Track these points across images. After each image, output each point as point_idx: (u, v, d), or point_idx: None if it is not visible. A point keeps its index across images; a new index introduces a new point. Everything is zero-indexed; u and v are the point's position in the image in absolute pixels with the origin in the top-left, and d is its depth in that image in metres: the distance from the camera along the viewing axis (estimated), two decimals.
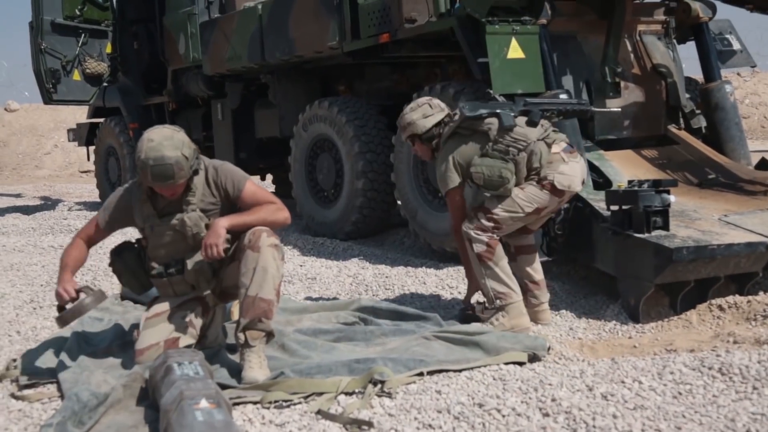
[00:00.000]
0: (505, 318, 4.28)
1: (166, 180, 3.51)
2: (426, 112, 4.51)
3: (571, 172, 4.33)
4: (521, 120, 4.41)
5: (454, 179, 4.37)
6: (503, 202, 4.28)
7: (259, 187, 3.78)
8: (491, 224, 4.29)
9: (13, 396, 3.42)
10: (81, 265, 3.78)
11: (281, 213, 3.69)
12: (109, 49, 10.90)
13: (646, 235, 4.49)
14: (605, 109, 5.47)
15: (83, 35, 10.78)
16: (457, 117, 4.42)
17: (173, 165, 3.48)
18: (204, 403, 2.73)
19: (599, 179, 5.51)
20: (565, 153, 4.35)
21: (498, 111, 4.39)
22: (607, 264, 4.80)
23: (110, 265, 3.85)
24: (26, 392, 3.46)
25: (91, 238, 3.82)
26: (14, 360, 3.81)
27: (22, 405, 3.29)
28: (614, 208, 4.70)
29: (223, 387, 3.27)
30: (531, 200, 4.30)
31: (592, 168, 5.57)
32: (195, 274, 3.74)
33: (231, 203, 3.71)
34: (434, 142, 4.51)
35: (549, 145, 4.34)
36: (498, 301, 4.30)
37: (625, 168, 5.68)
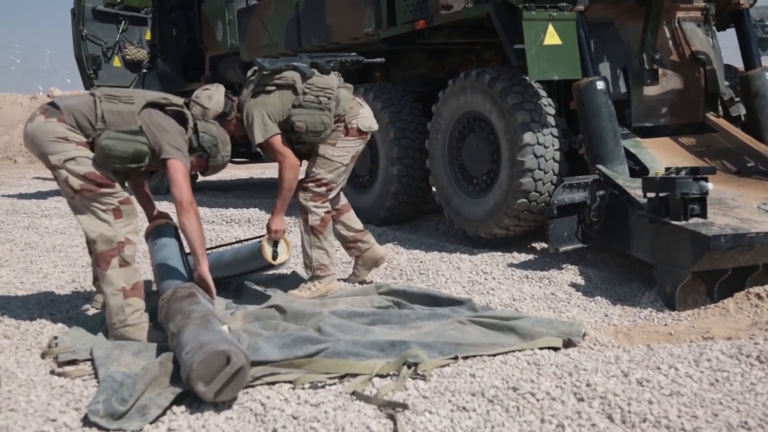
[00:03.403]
0: (321, 284, 4.69)
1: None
2: (207, 95, 4.53)
3: (368, 114, 4.82)
4: (316, 72, 4.67)
5: (273, 128, 4.53)
6: (323, 166, 4.62)
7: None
8: (324, 188, 4.65)
9: (53, 372, 3.48)
10: None
11: None
12: (148, 36, 11.05)
13: (683, 223, 4.46)
14: (371, 60, 5.35)
15: (123, 22, 10.92)
16: (254, 76, 4.60)
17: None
18: (225, 329, 3.43)
19: (636, 166, 5.47)
20: (359, 98, 4.83)
21: (294, 64, 4.61)
22: (643, 251, 4.78)
23: None
24: (67, 369, 3.52)
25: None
26: (55, 338, 3.89)
27: (63, 381, 3.35)
28: (651, 195, 4.67)
29: (256, 363, 3.31)
30: (345, 151, 4.70)
31: (629, 155, 5.53)
32: None
33: None
34: (233, 114, 4.58)
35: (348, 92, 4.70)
36: (318, 272, 4.70)
37: (663, 155, 5.64)
